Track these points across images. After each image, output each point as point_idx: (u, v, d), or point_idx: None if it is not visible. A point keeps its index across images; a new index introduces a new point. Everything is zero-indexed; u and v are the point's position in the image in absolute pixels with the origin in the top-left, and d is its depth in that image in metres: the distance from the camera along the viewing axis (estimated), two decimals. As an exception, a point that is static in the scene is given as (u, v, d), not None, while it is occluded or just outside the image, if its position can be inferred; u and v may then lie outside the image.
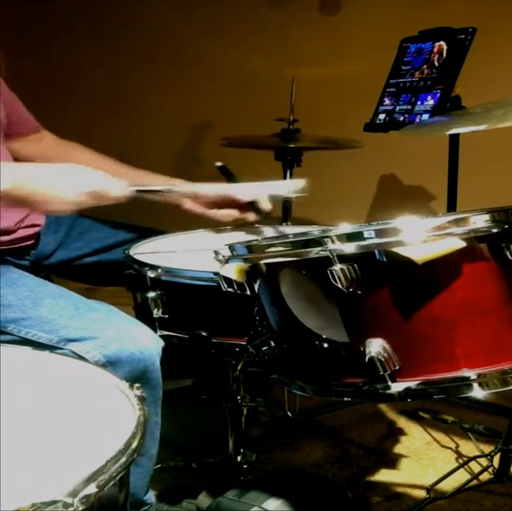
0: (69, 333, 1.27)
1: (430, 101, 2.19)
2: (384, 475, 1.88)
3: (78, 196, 1.32)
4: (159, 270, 1.44)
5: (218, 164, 1.73)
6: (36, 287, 1.40)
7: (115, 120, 3.52)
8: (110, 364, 1.24)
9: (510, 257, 1.08)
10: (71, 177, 1.34)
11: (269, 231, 1.72)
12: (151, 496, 1.45)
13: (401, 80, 2.33)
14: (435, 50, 2.24)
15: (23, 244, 1.58)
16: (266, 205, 1.64)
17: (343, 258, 1.07)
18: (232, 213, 1.65)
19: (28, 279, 1.43)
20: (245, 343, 1.35)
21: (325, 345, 1.14)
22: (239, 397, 1.66)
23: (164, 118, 3.44)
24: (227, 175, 1.73)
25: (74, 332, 1.27)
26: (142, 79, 3.49)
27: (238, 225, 1.76)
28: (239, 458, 1.67)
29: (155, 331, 1.44)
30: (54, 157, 1.75)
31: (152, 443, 1.38)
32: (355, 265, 1.07)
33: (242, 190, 1.64)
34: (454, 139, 2.23)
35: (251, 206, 1.64)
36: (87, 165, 1.69)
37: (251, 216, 1.66)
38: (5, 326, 1.30)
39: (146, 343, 1.29)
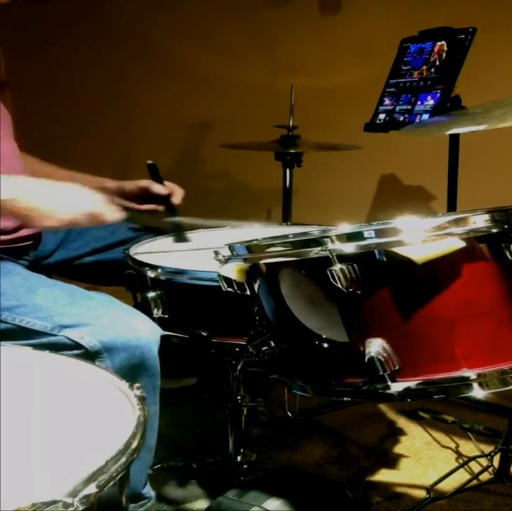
0: (63, 320, 1.28)
1: (430, 101, 2.19)
2: (384, 475, 1.88)
3: (73, 215, 1.35)
4: (159, 270, 1.44)
5: (149, 162, 1.77)
6: (31, 276, 1.41)
7: (115, 122, 3.52)
8: (106, 350, 1.24)
9: (510, 257, 1.08)
10: (71, 197, 1.38)
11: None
12: (150, 490, 1.45)
13: (401, 80, 2.33)
14: (435, 50, 2.24)
15: (23, 244, 1.58)
16: (176, 199, 1.77)
17: (343, 258, 1.07)
18: (149, 207, 1.78)
19: (23, 271, 1.44)
20: (245, 343, 1.35)
21: (325, 345, 1.14)
22: (239, 397, 1.66)
23: (163, 122, 3.44)
24: (154, 175, 1.77)
25: (69, 318, 1.28)
26: (141, 84, 3.49)
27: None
28: (239, 458, 1.67)
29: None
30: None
31: (150, 434, 1.37)
32: (355, 265, 1.07)
33: (157, 185, 1.77)
34: (454, 139, 2.23)
35: (165, 199, 1.77)
36: (33, 172, 1.73)
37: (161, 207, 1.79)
38: None
39: (142, 331, 1.29)
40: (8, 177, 1.35)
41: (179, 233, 1.71)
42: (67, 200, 1.37)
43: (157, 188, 1.75)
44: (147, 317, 1.35)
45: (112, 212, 1.42)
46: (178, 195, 1.77)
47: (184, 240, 1.69)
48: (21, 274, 1.41)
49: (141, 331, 1.29)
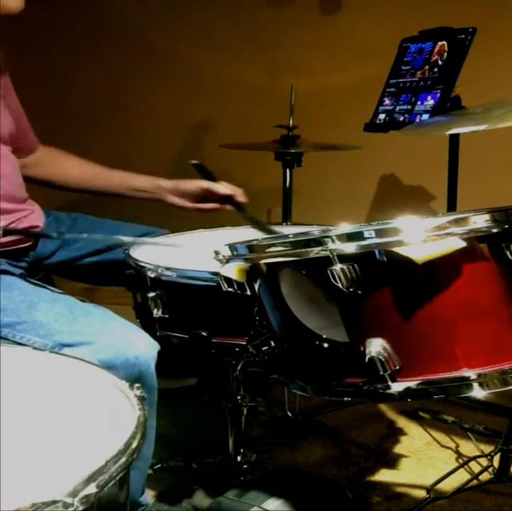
0: (63, 338, 1.27)
1: (430, 101, 2.19)
2: (383, 475, 1.88)
3: None
4: (159, 270, 1.43)
5: (193, 162, 1.76)
6: (31, 291, 1.39)
7: (115, 121, 3.52)
8: (105, 369, 1.24)
9: (510, 257, 1.08)
10: None
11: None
12: (146, 497, 1.46)
13: (401, 80, 2.33)
14: (436, 50, 2.24)
15: (21, 246, 1.58)
16: (242, 198, 1.76)
17: (343, 258, 1.07)
18: (213, 206, 1.78)
19: (23, 284, 1.43)
20: (245, 343, 1.35)
21: (325, 345, 1.14)
22: (239, 397, 1.66)
23: (163, 122, 3.44)
24: (204, 174, 1.77)
25: (69, 337, 1.27)
26: (141, 84, 3.48)
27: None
28: (239, 458, 1.67)
29: (155, 331, 1.44)
30: (44, 164, 1.79)
31: (146, 445, 1.37)
32: (355, 265, 1.07)
33: (219, 185, 1.76)
34: (454, 139, 2.23)
35: (229, 199, 1.76)
36: (74, 170, 1.76)
37: (228, 208, 1.79)
38: None
39: (141, 348, 1.29)
40: None
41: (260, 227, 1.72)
42: None
43: (221, 189, 1.75)
44: (145, 333, 1.35)
45: None
46: (240, 193, 1.77)
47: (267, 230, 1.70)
48: (21, 288, 1.39)
49: (140, 349, 1.29)
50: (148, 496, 1.47)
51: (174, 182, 1.79)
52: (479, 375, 1.06)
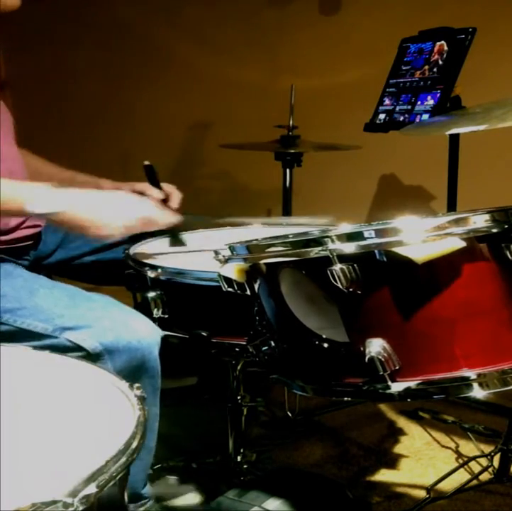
0: (64, 322, 1.28)
1: (430, 101, 2.19)
2: (383, 475, 1.88)
3: (128, 222, 1.38)
4: (159, 270, 1.44)
5: (146, 163, 1.70)
6: (32, 278, 1.41)
7: (115, 121, 3.52)
8: (107, 352, 1.24)
9: (510, 257, 1.08)
10: (122, 204, 1.41)
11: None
12: (149, 490, 1.45)
13: (401, 80, 2.33)
14: (436, 50, 2.24)
15: (23, 244, 1.58)
16: (173, 203, 1.67)
17: (343, 258, 1.07)
18: None
19: (24, 272, 1.44)
20: (245, 343, 1.35)
21: (325, 345, 1.14)
22: (239, 397, 1.66)
23: (162, 122, 3.44)
24: (151, 177, 1.69)
25: (70, 321, 1.28)
26: (141, 84, 3.49)
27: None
28: (239, 458, 1.67)
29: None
30: None
31: (150, 435, 1.37)
32: (355, 265, 1.07)
33: (153, 189, 1.68)
34: (454, 139, 2.23)
35: (163, 203, 1.67)
36: (31, 171, 1.66)
37: None
38: (0, 317, 1.31)
39: (143, 333, 1.30)
40: (63, 189, 1.36)
41: (175, 237, 1.66)
42: (120, 208, 1.40)
43: (152, 192, 1.66)
44: (147, 319, 1.35)
45: (164, 215, 1.45)
46: (175, 199, 1.68)
47: (180, 243, 1.65)
48: (22, 276, 1.41)
49: (142, 333, 1.29)
50: (151, 490, 1.47)
51: (113, 184, 1.70)
52: (479, 375, 1.06)
